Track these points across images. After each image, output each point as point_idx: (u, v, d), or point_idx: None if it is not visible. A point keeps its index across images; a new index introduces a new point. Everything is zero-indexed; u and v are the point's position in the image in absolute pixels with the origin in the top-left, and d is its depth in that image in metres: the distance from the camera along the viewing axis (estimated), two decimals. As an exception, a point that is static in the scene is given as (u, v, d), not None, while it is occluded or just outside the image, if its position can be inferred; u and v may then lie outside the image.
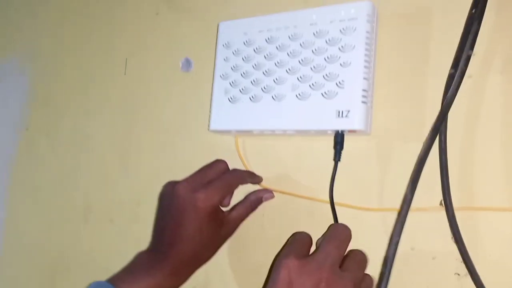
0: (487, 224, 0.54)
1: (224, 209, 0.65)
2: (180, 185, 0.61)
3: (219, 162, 0.68)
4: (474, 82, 0.56)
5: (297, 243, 0.55)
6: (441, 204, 0.55)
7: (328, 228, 0.58)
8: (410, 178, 0.52)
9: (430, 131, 0.53)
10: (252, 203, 0.66)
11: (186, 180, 0.62)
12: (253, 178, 0.67)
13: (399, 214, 0.51)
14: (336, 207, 0.61)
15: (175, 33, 0.84)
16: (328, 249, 0.50)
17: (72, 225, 0.89)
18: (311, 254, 0.52)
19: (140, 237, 0.72)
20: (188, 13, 0.83)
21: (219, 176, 0.64)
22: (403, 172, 0.57)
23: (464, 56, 0.54)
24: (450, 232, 0.53)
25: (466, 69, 0.53)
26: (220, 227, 0.62)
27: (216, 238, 0.63)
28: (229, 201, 0.68)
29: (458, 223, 0.52)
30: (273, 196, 0.67)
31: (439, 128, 0.53)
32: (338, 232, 0.54)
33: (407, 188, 0.51)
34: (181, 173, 0.66)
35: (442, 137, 0.54)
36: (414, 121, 0.59)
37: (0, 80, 1.07)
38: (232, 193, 0.67)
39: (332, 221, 0.61)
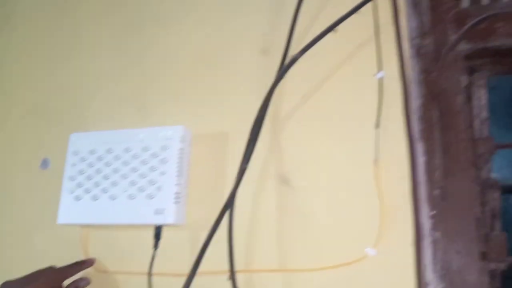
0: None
1: None
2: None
3: (46, 270, 0.79)
4: (254, 186, 0.78)
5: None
6: (229, 278, 0.73)
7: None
8: (198, 254, 0.70)
9: (215, 221, 0.72)
10: None
11: (16, 280, 0.75)
12: (80, 266, 0.81)
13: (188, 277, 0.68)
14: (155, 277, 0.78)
15: (38, 136, 0.99)
16: None
17: None
18: None
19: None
20: (49, 121, 0.99)
21: (45, 275, 0.77)
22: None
23: (241, 168, 0.75)
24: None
25: (241, 178, 0.74)
26: None
27: None
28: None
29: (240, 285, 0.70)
30: (88, 283, 0.82)
31: (223, 214, 0.72)
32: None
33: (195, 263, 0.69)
34: (34, 263, 0.78)
35: (231, 223, 0.73)
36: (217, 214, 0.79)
37: None
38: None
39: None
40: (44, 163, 0.97)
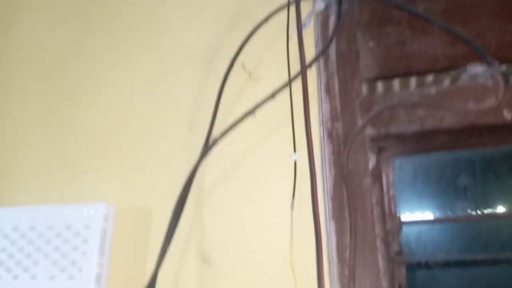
0: None
1: None
2: None
3: None
4: (176, 264, 0.80)
5: None
6: None
7: None
8: None
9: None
10: None
11: None
12: None
13: None
14: None
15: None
16: None
17: None
18: None
19: None
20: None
21: None
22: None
23: (162, 250, 0.77)
24: None
25: (162, 260, 0.76)
26: None
27: None
28: None
29: None
30: None
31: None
32: None
33: None
34: None
35: None
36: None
37: None
38: None
39: None
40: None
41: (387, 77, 0.86)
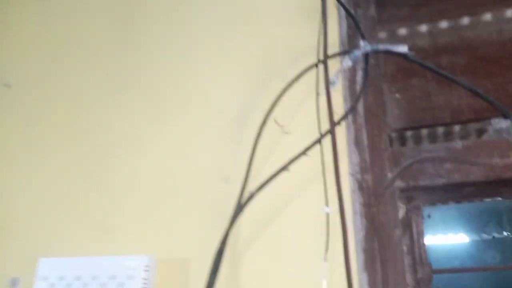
0: None
1: None
2: None
3: None
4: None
5: None
6: None
7: None
8: None
9: None
10: None
11: None
12: None
13: None
14: None
15: (6, 255, 1.02)
16: None
17: None
18: None
19: None
20: (16, 241, 1.03)
21: None
22: None
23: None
24: None
25: None
26: None
27: None
28: None
29: None
30: None
31: None
32: None
33: None
34: None
35: None
36: None
37: None
38: None
39: None
40: (13, 283, 1.00)
41: (414, 128, 0.90)
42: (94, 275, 0.88)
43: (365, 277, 0.81)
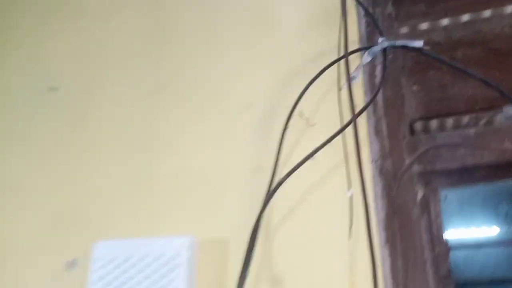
0: None
1: None
2: None
3: None
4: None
5: None
6: None
7: None
8: None
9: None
10: None
11: None
12: None
13: None
14: None
15: (65, 240, 1.14)
16: None
17: None
18: None
19: None
20: (75, 226, 1.14)
21: None
22: None
23: (241, 277, 0.90)
24: None
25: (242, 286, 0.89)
26: None
27: None
28: None
29: None
30: None
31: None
32: None
33: None
34: None
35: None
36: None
37: None
38: None
39: None
40: (72, 264, 1.11)
41: (430, 117, 0.97)
42: (142, 256, 0.99)
43: (386, 251, 0.89)
